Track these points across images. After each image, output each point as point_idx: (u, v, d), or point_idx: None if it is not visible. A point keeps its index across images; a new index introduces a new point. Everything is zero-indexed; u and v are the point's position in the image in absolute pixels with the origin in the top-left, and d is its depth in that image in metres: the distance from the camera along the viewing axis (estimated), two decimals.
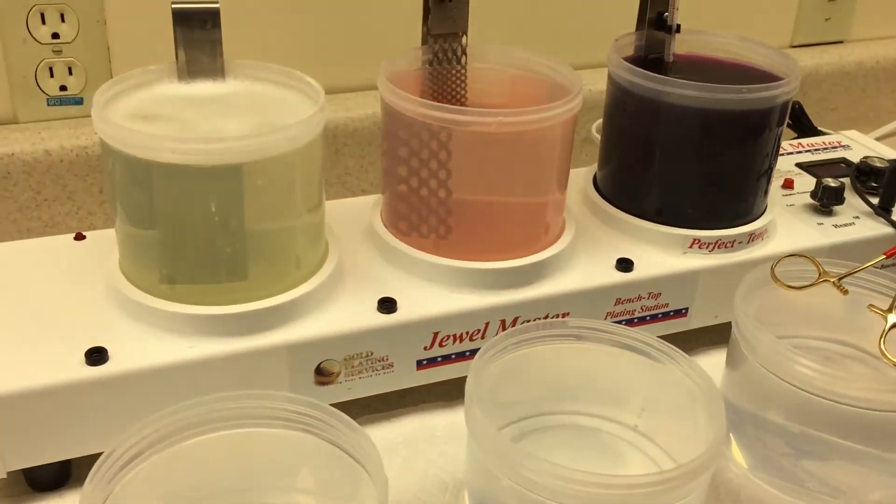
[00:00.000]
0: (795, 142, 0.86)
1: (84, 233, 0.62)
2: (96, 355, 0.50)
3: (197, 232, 0.51)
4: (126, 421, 0.50)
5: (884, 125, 1.13)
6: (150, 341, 0.52)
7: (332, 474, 0.45)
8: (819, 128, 0.99)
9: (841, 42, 1.12)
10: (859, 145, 0.86)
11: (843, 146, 0.86)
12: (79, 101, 0.78)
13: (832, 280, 0.58)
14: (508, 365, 0.52)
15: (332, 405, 0.57)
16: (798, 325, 0.62)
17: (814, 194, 0.73)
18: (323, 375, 0.56)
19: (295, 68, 0.58)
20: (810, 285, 0.58)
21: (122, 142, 0.49)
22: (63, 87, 0.77)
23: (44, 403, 0.49)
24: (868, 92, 1.11)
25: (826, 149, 0.85)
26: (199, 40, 0.56)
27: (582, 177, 0.73)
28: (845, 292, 0.57)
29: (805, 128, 0.98)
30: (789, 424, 0.54)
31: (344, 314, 0.56)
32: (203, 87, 0.57)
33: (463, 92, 0.65)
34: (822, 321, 0.62)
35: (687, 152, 0.64)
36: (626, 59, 0.68)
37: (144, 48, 0.75)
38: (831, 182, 0.72)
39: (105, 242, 0.60)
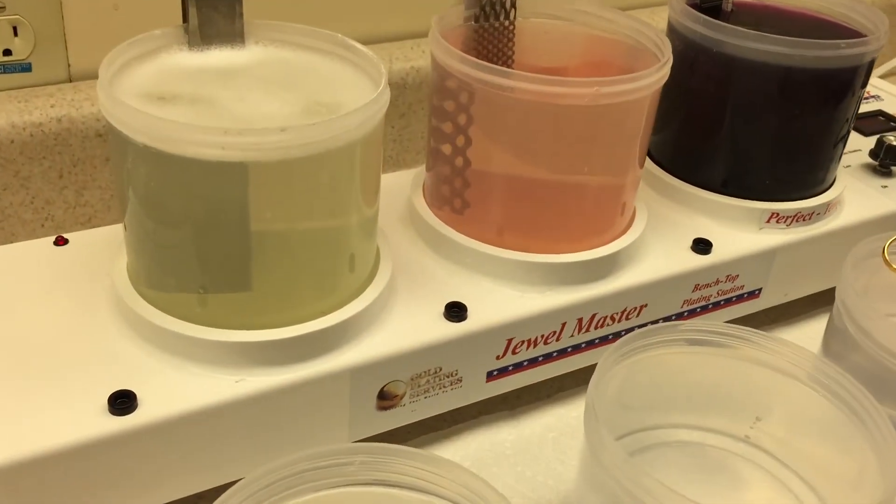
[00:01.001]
0: None
1: (65, 235, 0.51)
2: (122, 401, 0.40)
3: (239, 236, 0.41)
4: (162, 478, 0.41)
5: (880, 65, 1.09)
6: (184, 377, 0.42)
7: None
8: None
9: None
10: (889, 95, 0.81)
11: (874, 97, 0.80)
12: (27, 68, 0.65)
13: None
14: (627, 374, 0.44)
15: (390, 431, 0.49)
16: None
17: (874, 154, 0.67)
18: (386, 399, 0.47)
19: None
20: None
21: (149, 134, 0.38)
22: (7, 52, 0.63)
23: (60, 467, 0.39)
24: None
25: None
26: None
27: None
28: None
29: None
30: None
31: (409, 326, 0.47)
32: (220, 56, 0.46)
33: (510, 52, 0.56)
34: None
35: (765, 115, 0.57)
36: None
37: (106, 3, 0.63)
38: (893, 140, 0.66)
39: (94, 247, 0.50)
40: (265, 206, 0.41)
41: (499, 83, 0.46)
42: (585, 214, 0.52)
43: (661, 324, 0.45)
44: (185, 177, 0.39)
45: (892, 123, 0.74)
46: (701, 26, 0.56)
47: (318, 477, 0.36)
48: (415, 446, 0.51)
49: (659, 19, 0.82)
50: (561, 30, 0.57)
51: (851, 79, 0.56)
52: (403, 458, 0.37)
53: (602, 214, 0.53)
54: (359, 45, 0.46)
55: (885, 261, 0.51)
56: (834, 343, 0.52)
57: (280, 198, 0.41)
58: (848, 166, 0.67)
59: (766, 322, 0.64)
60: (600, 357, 0.42)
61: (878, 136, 0.67)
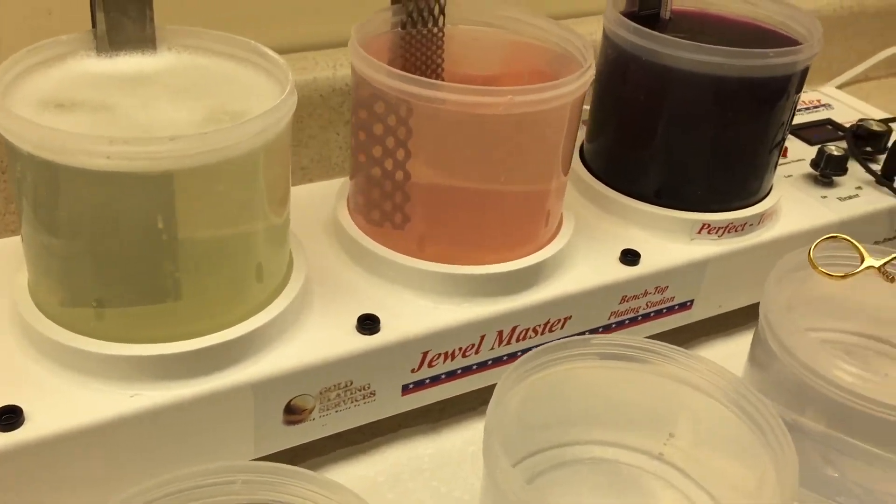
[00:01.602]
0: None
1: None
2: (8, 417, 0.39)
3: (135, 247, 0.40)
4: (55, 495, 0.40)
5: (836, 76, 1.08)
6: (77, 392, 0.41)
7: None
8: None
9: None
10: (841, 104, 0.80)
11: (824, 105, 0.79)
12: None
13: (877, 266, 0.51)
14: (524, 393, 0.43)
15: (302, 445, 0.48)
16: (829, 318, 0.56)
17: (815, 164, 0.66)
18: (294, 414, 0.46)
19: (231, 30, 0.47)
20: (853, 274, 0.51)
21: (35, 143, 0.37)
22: None
23: None
24: None
25: (808, 109, 0.78)
26: (121, 1, 0.44)
27: None
28: (892, 280, 0.51)
29: None
30: (829, 431, 0.47)
31: (319, 338, 0.46)
32: (130, 62, 0.45)
33: (439, 60, 0.55)
34: (854, 313, 0.56)
35: (698, 125, 0.56)
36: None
37: (40, 7, 0.61)
38: (834, 150, 0.66)
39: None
40: (160, 216, 0.39)
41: (410, 91, 0.45)
42: (507, 224, 0.51)
43: (570, 338, 0.44)
44: (72, 187, 0.38)
45: (839, 133, 0.73)
46: (632, 35, 0.55)
47: (199, 496, 0.35)
48: (331, 460, 0.51)
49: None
50: (491, 37, 0.56)
51: (783, 88, 0.55)
52: (290, 479, 0.36)
53: (525, 224, 0.52)
54: (270, 52, 0.45)
55: (811, 262, 0.50)
56: (758, 354, 0.51)
57: (176, 208, 0.40)
58: (789, 176, 0.67)
59: (700, 334, 0.63)
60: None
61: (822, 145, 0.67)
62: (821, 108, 0.79)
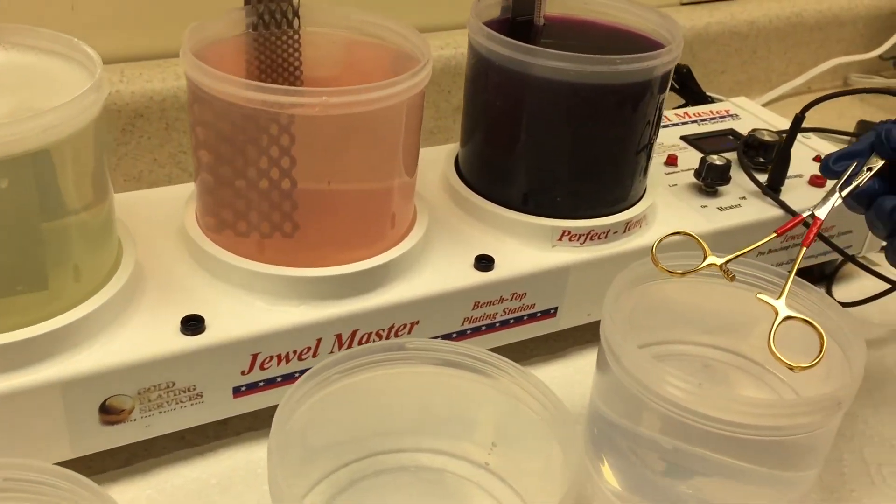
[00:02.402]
0: (681, 111, 0.78)
1: None
2: None
3: None
4: None
5: (775, 88, 1.08)
6: None
7: None
8: (708, 93, 0.93)
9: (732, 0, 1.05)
10: (749, 114, 0.79)
11: (732, 115, 0.79)
12: None
13: (719, 264, 0.50)
14: (329, 400, 0.43)
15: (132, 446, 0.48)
16: (677, 328, 0.56)
17: (698, 173, 0.65)
18: (110, 414, 0.46)
19: (93, 36, 0.47)
20: (694, 270, 0.50)
21: None
22: None
23: None
24: (759, 53, 1.05)
25: (713, 119, 0.78)
26: None
27: (444, 155, 0.64)
28: (732, 278, 0.50)
29: (692, 93, 0.91)
30: (662, 440, 0.47)
31: (137, 338, 0.46)
32: None
33: (297, 63, 0.55)
34: (702, 323, 0.55)
35: (554, 131, 0.56)
36: (491, 21, 0.59)
37: None
38: (716, 160, 0.65)
39: None
40: None
41: (221, 90, 0.45)
42: (348, 225, 0.51)
43: (379, 342, 0.44)
44: None
45: (742, 144, 0.73)
46: (491, 42, 0.55)
47: None
48: (168, 461, 0.50)
49: None
50: (342, 40, 0.55)
51: (643, 93, 0.55)
52: (56, 480, 0.36)
53: (368, 225, 0.51)
54: (90, 51, 0.45)
55: (653, 259, 0.50)
56: (600, 360, 0.51)
57: None
58: (674, 185, 0.66)
59: (580, 342, 0.62)
60: None
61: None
62: (727, 119, 0.78)
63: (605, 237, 0.58)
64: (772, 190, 0.66)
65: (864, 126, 0.93)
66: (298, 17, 0.54)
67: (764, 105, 0.97)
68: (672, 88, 0.91)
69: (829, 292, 0.70)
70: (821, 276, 0.72)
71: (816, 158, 0.72)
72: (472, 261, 0.55)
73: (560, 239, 0.57)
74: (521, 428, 0.44)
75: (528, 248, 0.57)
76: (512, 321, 0.57)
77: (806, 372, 0.51)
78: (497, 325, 0.56)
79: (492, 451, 0.46)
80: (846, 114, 1.01)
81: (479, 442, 0.47)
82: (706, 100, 0.90)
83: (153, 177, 0.72)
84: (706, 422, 0.44)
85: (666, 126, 0.75)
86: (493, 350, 0.45)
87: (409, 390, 0.45)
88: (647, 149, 0.58)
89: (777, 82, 1.09)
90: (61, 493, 0.35)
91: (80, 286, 0.45)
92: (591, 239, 0.57)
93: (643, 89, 0.55)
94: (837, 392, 0.44)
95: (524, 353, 0.61)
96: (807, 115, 0.66)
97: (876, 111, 1.04)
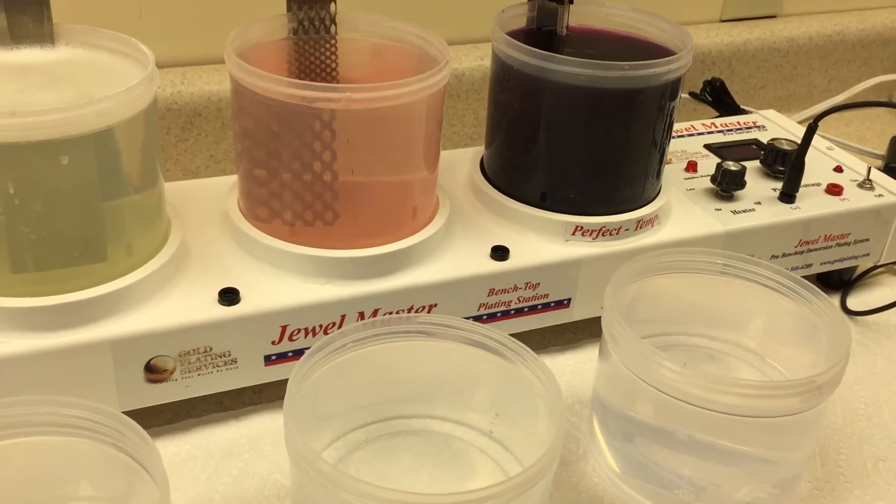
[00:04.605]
0: (709, 121, 0.82)
1: None
2: None
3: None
4: None
5: (815, 104, 1.09)
6: None
7: (111, 478, 0.41)
8: (744, 107, 0.96)
9: (773, 17, 1.08)
10: (775, 126, 0.82)
11: (758, 126, 0.82)
12: None
13: None
14: (347, 365, 0.47)
15: (171, 403, 0.53)
16: (680, 320, 0.59)
17: (714, 178, 0.69)
18: (154, 373, 0.51)
19: (156, 42, 0.53)
20: None
21: None
22: None
23: None
24: (799, 70, 1.07)
25: (740, 129, 0.81)
26: (20, 2, 0.50)
27: (470, 157, 0.68)
28: None
29: (727, 106, 0.94)
30: (658, 424, 0.50)
31: (179, 306, 0.51)
32: (27, 55, 0.52)
33: (333, 66, 0.60)
34: (703, 315, 0.58)
35: (568, 132, 0.60)
36: (517, 31, 0.63)
37: None
38: (731, 166, 0.68)
39: None
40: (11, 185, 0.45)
41: (265, 87, 0.51)
42: (370, 216, 0.56)
43: (392, 315, 0.48)
44: None
45: (761, 152, 0.76)
46: (509, 49, 0.59)
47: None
48: (206, 423, 0.55)
49: None
50: (378, 45, 0.61)
51: (652, 98, 0.59)
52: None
53: (389, 216, 0.56)
54: (145, 49, 0.51)
55: None
56: (602, 348, 0.54)
57: (32, 178, 0.46)
58: (692, 189, 0.69)
59: (595, 334, 0.66)
60: None
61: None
62: (753, 129, 0.81)
63: (617, 233, 0.61)
64: (786, 196, 0.69)
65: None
66: (335, 24, 0.59)
67: (802, 122, 0.99)
68: (705, 101, 0.94)
69: (845, 298, 0.72)
70: (839, 282, 0.75)
71: (837, 168, 0.74)
72: (489, 251, 0.59)
73: (573, 233, 0.61)
74: (519, 401, 0.48)
75: (543, 241, 0.61)
76: (526, 309, 0.61)
77: (799, 361, 0.55)
78: (512, 312, 0.60)
79: (495, 420, 0.50)
80: (887, 131, 1.02)
81: (484, 412, 0.51)
82: (741, 112, 0.93)
83: (209, 172, 0.79)
84: (694, 402, 0.48)
85: (692, 135, 0.78)
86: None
87: (420, 362, 0.50)
88: (659, 151, 0.62)
89: (818, 99, 1.11)
90: (116, 434, 0.40)
91: (131, 260, 0.51)
92: (602, 235, 0.61)
93: (652, 94, 0.59)
94: (817, 376, 0.47)
95: (541, 342, 0.65)
96: (848, 130, 0.68)
97: None
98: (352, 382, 0.49)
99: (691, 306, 0.58)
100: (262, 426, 0.56)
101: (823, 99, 1.10)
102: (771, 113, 0.86)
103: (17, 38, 0.51)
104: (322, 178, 0.53)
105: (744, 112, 0.94)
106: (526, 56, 0.58)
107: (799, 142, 0.73)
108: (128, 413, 0.41)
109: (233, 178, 0.63)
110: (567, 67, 0.56)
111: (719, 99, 0.93)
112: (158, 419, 0.55)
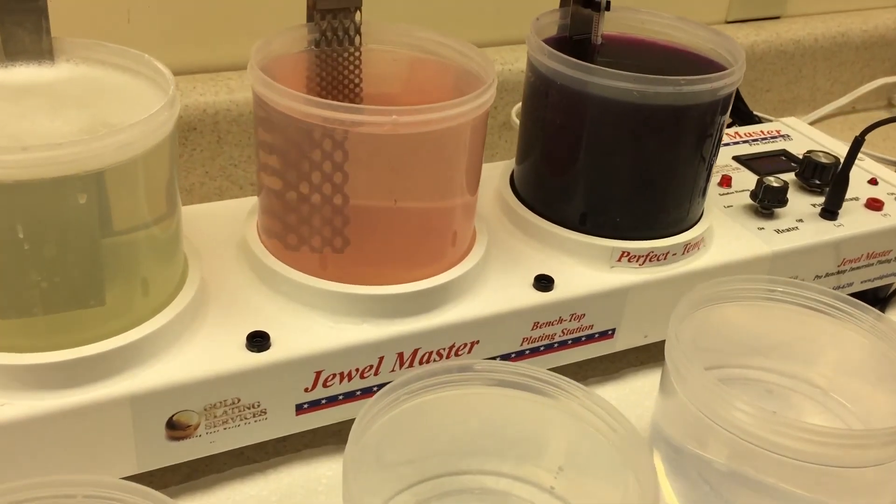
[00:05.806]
0: (732, 131, 0.78)
1: None
2: None
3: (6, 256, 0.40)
4: None
5: (820, 107, 1.07)
6: None
7: None
8: (754, 112, 0.92)
9: (777, 17, 1.05)
10: (800, 135, 0.79)
11: (783, 136, 0.78)
12: None
13: None
14: (399, 419, 0.42)
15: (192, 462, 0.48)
16: (738, 352, 0.55)
17: (754, 195, 0.65)
18: (176, 429, 0.46)
19: (147, 49, 0.47)
20: None
21: None
22: None
23: None
24: (804, 72, 1.04)
25: (765, 139, 0.77)
26: (15, 12, 0.44)
27: (499, 172, 0.64)
28: None
29: (740, 113, 0.91)
30: (729, 465, 0.46)
31: (204, 354, 0.46)
32: (25, 73, 0.46)
33: (357, 80, 0.55)
34: (764, 347, 0.54)
35: (615, 151, 0.56)
36: (549, 39, 0.58)
37: None
38: (773, 182, 0.64)
39: None
40: (14, 226, 0.39)
41: (291, 108, 0.45)
42: (409, 244, 0.51)
43: (445, 362, 0.44)
44: None
45: (792, 164, 0.72)
46: (553, 61, 0.54)
47: None
48: (227, 478, 0.50)
49: None
50: (403, 58, 0.55)
51: (706, 114, 0.55)
52: (134, 496, 0.36)
53: (429, 244, 0.51)
54: (162, 67, 0.45)
55: None
56: (664, 383, 0.50)
57: (40, 218, 0.40)
58: (729, 207, 0.65)
59: (634, 363, 0.62)
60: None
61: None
62: (778, 139, 0.77)
63: (665, 259, 0.57)
64: (828, 212, 0.65)
65: None
66: (360, 35, 0.54)
67: (809, 124, 0.96)
68: None
69: None
70: (874, 299, 0.72)
71: (872, 181, 0.71)
72: (531, 280, 0.54)
73: (619, 260, 0.56)
74: (589, 452, 0.43)
75: (586, 268, 0.56)
76: (570, 342, 0.56)
77: (871, 400, 0.51)
78: (556, 345, 0.56)
79: (558, 475, 0.46)
80: (892, 135, 1.00)
81: (545, 465, 0.46)
82: (753, 119, 0.90)
83: (204, 189, 0.73)
84: (775, 449, 0.44)
85: None
86: (549, 370, 0.44)
87: (475, 411, 0.45)
88: (708, 170, 0.58)
89: (822, 101, 1.08)
90: None
91: (148, 300, 0.45)
92: (650, 260, 0.57)
93: (706, 110, 0.55)
94: None
95: (579, 373, 0.60)
96: (852, 135, 0.65)
97: None
98: (402, 438, 0.44)
99: (751, 337, 0.54)
100: (292, 479, 0.50)
101: (826, 102, 1.08)
102: (792, 120, 0.82)
103: (11, 54, 0.45)
104: (353, 203, 0.48)
105: (756, 119, 0.91)
106: (569, 69, 0.53)
107: (835, 153, 0.70)
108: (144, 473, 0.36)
109: (244, 202, 0.58)
110: (618, 83, 0.52)
111: (734, 106, 0.90)
112: (175, 476, 0.50)
